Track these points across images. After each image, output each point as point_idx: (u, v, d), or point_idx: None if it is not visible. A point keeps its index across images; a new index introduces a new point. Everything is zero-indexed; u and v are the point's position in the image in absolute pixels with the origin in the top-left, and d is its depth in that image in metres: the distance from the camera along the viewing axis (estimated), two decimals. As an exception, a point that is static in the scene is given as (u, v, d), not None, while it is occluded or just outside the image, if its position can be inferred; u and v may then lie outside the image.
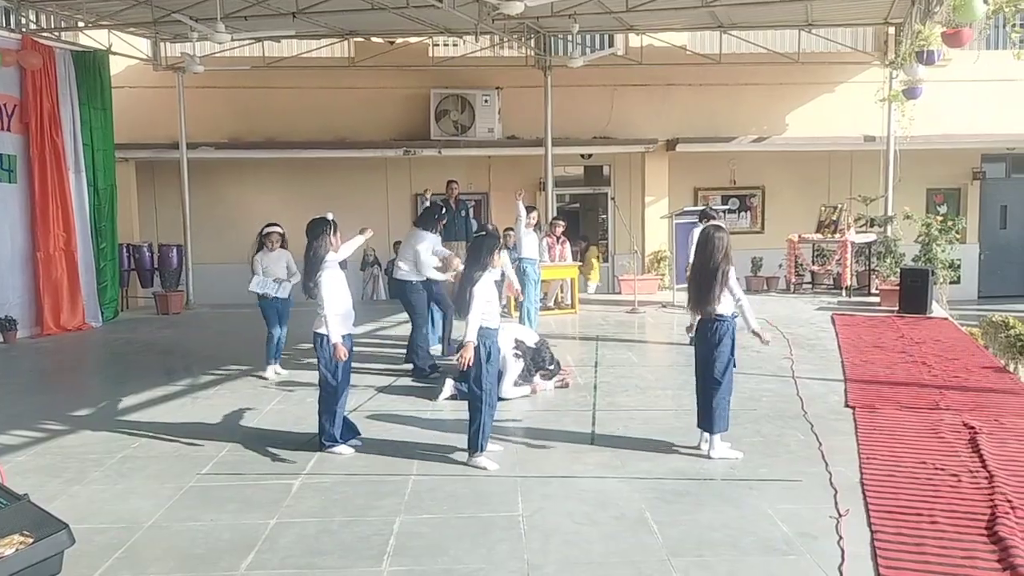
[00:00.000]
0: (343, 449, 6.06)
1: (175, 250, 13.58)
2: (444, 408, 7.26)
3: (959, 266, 13.97)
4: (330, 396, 6.03)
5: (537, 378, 7.80)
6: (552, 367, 7.95)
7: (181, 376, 8.84)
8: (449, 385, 7.52)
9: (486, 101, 15.30)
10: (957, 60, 12.31)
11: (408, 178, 16.28)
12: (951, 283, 13.44)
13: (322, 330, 5.96)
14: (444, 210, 9.11)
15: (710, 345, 5.88)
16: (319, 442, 6.13)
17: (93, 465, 6.02)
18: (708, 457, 5.90)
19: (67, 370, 10.00)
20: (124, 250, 13.44)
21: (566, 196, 17.13)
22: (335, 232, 6.00)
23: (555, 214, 14.27)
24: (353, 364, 6.84)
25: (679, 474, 5.64)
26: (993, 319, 10.75)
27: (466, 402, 6.01)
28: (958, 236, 13.38)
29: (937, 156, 16.01)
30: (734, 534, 4.70)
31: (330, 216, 6.05)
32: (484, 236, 6.09)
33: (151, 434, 6.71)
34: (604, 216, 17.19)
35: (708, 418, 5.90)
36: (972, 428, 6.38)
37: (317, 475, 5.73)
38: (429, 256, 8.46)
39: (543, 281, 12.15)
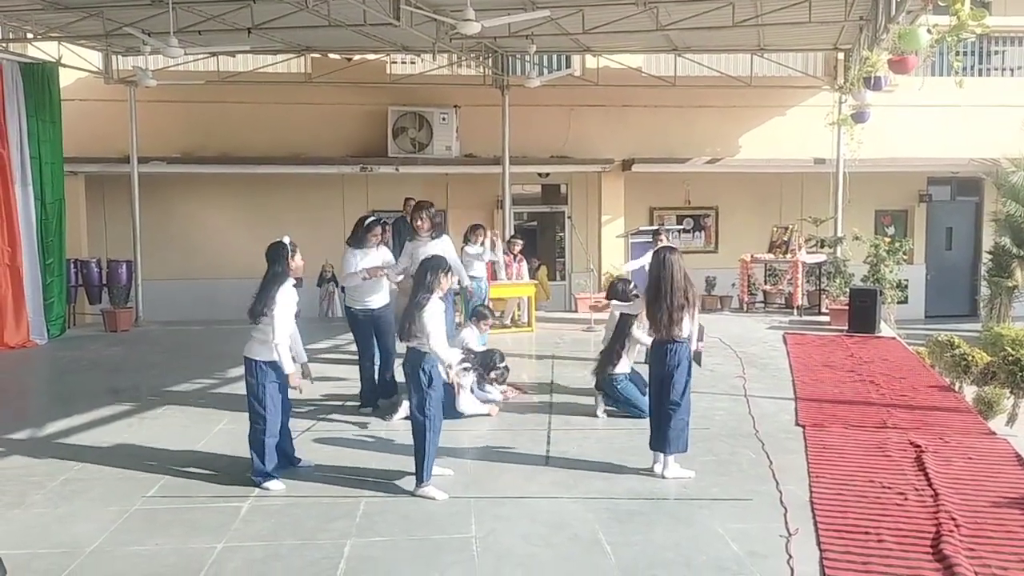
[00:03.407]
0: (274, 485, 5.75)
1: (124, 266, 13.27)
2: (398, 429, 7.17)
3: (906, 286, 14.28)
4: (258, 427, 5.80)
5: (494, 391, 7.84)
6: (503, 365, 8.05)
7: (128, 395, 8.64)
8: (405, 406, 7.44)
9: (444, 119, 15.31)
10: (903, 86, 12.62)
11: (365, 195, 16.19)
12: (899, 303, 13.71)
13: (254, 355, 5.80)
14: (373, 219, 7.95)
15: (668, 367, 5.88)
16: (252, 478, 5.81)
17: (34, 488, 5.85)
18: (662, 477, 5.93)
19: (10, 389, 9.71)
20: (72, 265, 13.11)
21: (524, 214, 17.19)
22: (293, 255, 5.90)
23: (512, 232, 14.30)
24: (307, 384, 6.76)
25: (633, 494, 5.66)
26: (939, 339, 11.00)
27: None
28: (905, 257, 13.68)
29: (885, 179, 16.40)
30: (686, 554, 4.73)
31: (287, 239, 5.95)
32: (429, 259, 5.95)
33: (96, 456, 6.54)
34: (561, 234, 17.28)
35: (664, 439, 5.92)
36: (918, 446, 6.51)
37: (266, 497, 5.63)
38: (350, 269, 7.68)
39: (499, 299, 12.17)
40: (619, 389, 7.43)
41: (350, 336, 10.09)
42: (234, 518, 5.27)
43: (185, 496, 5.68)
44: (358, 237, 7.75)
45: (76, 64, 13.03)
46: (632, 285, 7.95)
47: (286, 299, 5.79)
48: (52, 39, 12.33)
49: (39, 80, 12.06)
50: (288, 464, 6.08)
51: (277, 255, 5.85)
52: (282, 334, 5.74)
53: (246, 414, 7.32)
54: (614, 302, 7.62)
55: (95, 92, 14.04)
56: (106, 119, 14.15)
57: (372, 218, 7.96)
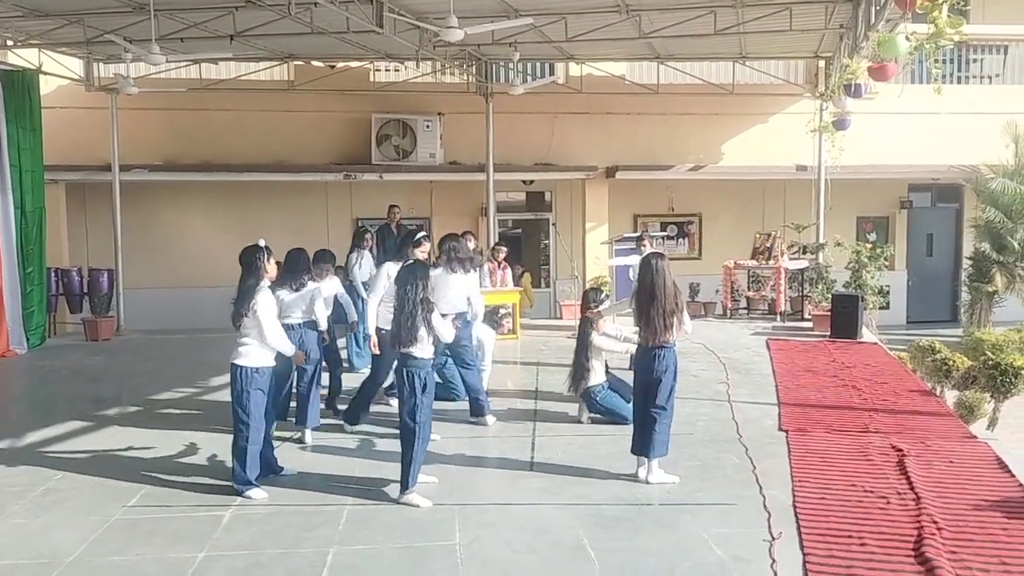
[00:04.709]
0: (256, 493, 5.71)
1: (106, 274, 13.18)
2: (382, 436, 7.14)
3: (888, 292, 14.38)
4: (241, 434, 5.75)
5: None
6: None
7: (109, 405, 8.57)
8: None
9: (428, 126, 15.30)
10: (883, 94, 12.74)
11: (349, 203, 16.16)
12: (880, 309, 13.80)
13: (239, 362, 5.77)
14: (423, 235, 7.57)
15: (655, 372, 5.88)
16: (233, 486, 5.78)
17: (13, 498, 5.79)
18: (646, 482, 5.93)
19: (-12, 399, 9.63)
20: (52, 274, 13.00)
21: (508, 221, 17.20)
22: (268, 258, 5.89)
23: (496, 239, 14.31)
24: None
25: (617, 499, 5.66)
26: (920, 344, 11.12)
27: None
28: (887, 263, 13.77)
29: (866, 185, 16.53)
30: (670, 559, 4.73)
31: (262, 243, 5.94)
32: (412, 267, 5.87)
33: (76, 465, 6.48)
34: (546, 242, 17.30)
35: (647, 443, 5.92)
36: (900, 450, 6.55)
37: (249, 506, 5.59)
38: (380, 285, 7.16)
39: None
40: (599, 401, 7.43)
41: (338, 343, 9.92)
42: (216, 527, 5.23)
43: (166, 505, 5.63)
44: (401, 251, 7.24)
45: (57, 71, 12.94)
46: (604, 295, 7.97)
47: (266, 302, 5.80)
48: (32, 46, 12.23)
49: (19, 87, 11.98)
50: (270, 472, 6.04)
51: (252, 259, 5.83)
52: (271, 332, 5.79)
53: (229, 423, 7.29)
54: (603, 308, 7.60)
55: (76, 100, 13.95)
56: (87, 127, 14.05)
57: (422, 233, 7.44)
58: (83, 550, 4.91)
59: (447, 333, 5.83)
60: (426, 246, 7.42)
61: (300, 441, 7.00)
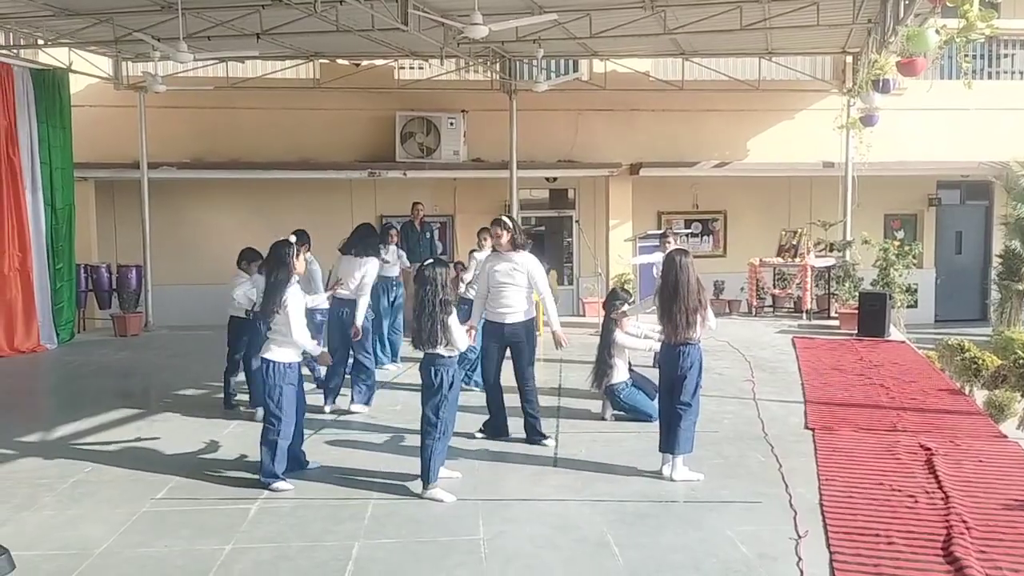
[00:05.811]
0: (283, 485, 5.76)
1: (134, 271, 13.34)
2: (407, 431, 7.17)
3: (916, 290, 14.20)
4: (271, 427, 5.80)
5: None
6: None
7: (137, 399, 8.68)
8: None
9: (451, 124, 15.33)
10: (912, 89, 12.59)
11: (373, 200, 16.22)
12: (908, 307, 13.65)
13: (270, 356, 5.83)
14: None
15: (681, 369, 5.88)
16: (260, 478, 5.82)
17: (44, 490, 5.88)
18: (670, 479, 5.91)
19: (20, 393, 9.77)
20: (82, 271, 13.17)
21: (532, 219, 17.18)
22: (297, 255, 5.95)
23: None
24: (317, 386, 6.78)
25: (641, 496, 5.64)
26: (949, 342, 10.95)
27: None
28: (915, 261, 13.62)
29: (894, 182, 16.33)
30: (695, 556, 4.71)
31: (292, 239, 6.00)
32: (435, 263, 5.78)
33: (105, 458, 6.57)
34: (569, 239, 17.27)
35: (673, 440, 5.91)
36: (928, 449, 6.47)
37: (275, 499, 5.63)
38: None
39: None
40: (622, 399, 7.42)
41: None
42: (243, 520, 5.27)
43: (194, 498, 5.69)
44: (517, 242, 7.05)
45: (86, 70, 13.10)
46: (631, 299, 7.94)
47: (294, 298, 5.85)
48: (63, 45, 12.39)
49: (50, 86, 12.14)
50: (297, 466, 6.09)
51: (281, 255, 5.89)
52: (298, 330, 5.83)
53: (255, 417, 7.36)
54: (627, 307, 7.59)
55: (105, 98, 14.12)
56: (116, 125, 14.21)
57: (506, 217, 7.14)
58: (112, 542, 4.98)
59: (461, 341, 5.71)
60: (498, 231, 7.00)
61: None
